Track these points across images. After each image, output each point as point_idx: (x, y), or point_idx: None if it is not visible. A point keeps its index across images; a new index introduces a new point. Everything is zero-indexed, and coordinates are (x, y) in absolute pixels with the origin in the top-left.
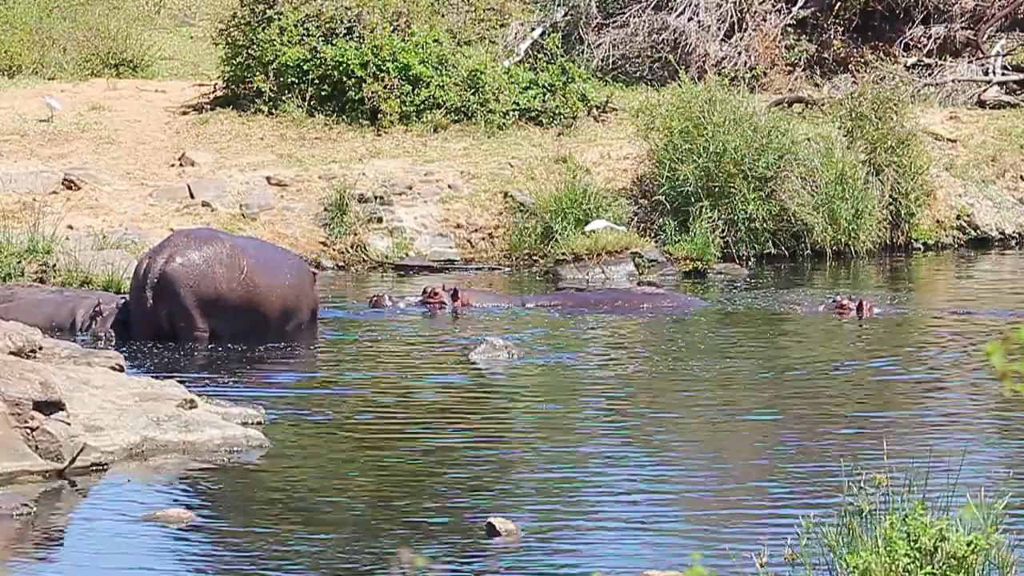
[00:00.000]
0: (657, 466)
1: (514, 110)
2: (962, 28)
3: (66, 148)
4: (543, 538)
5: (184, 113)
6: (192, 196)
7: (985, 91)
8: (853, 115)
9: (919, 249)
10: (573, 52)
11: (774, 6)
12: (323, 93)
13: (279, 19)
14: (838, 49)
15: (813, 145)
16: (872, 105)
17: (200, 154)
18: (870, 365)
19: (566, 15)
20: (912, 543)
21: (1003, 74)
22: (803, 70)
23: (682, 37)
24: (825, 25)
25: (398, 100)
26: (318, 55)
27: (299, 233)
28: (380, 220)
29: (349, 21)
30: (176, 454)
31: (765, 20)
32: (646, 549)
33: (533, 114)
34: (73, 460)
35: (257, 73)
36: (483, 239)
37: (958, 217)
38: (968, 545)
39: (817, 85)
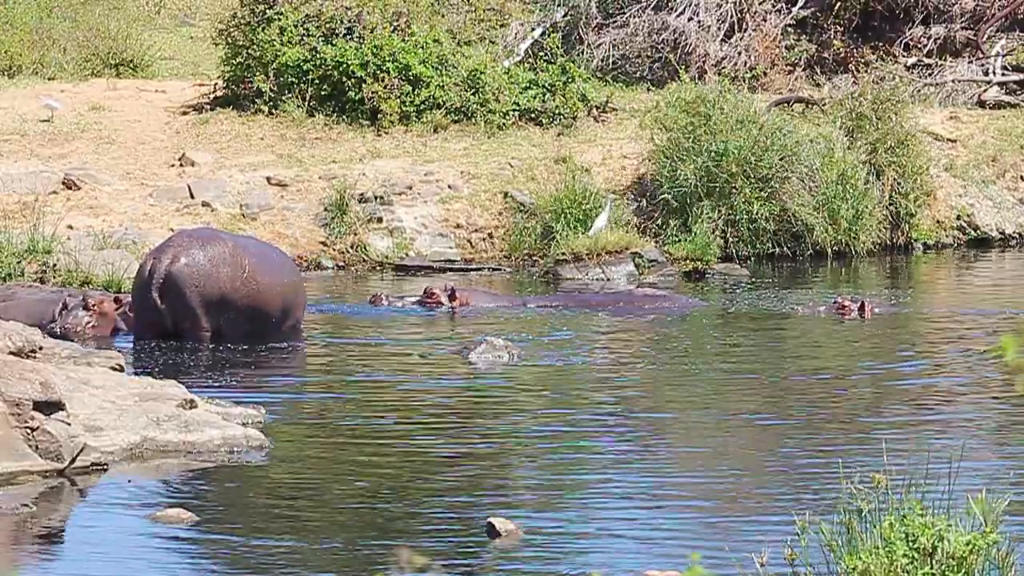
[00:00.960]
0: (657, 466)
1: (514, 110)
2: (962, 28)
3: (66, 148)
4: (543, 538)
5: (184, 113)
6: (192, 196)
7: (985, 91)
8: (853, 115)
9: (919, 249)
10: (573, 52)
11: (774, 6)
12: (323, 93)
13: (279, 19)
14: (838, 49)
15: (814, 145)
16: (872, 105)
17: (200, 154)
18: (870, 365)
19: (566, 15)
20: (911, 543)
21: (1003, 74)
22: (803, 70)
23: (682, 37)
24: (825, 25)
25: (398, 100)
26: (318, 55)
27: (299, 233)
28: (380, 220)
29: (349, 21)
30: (176, 454)
31: (765, 20)
32: (646, 549)
33: (533, 114)
34: (73, 460)
35: (257, 73)
36: (483, 239)
37: (958, 217)
38: (967, 545)
39: (817, 85)
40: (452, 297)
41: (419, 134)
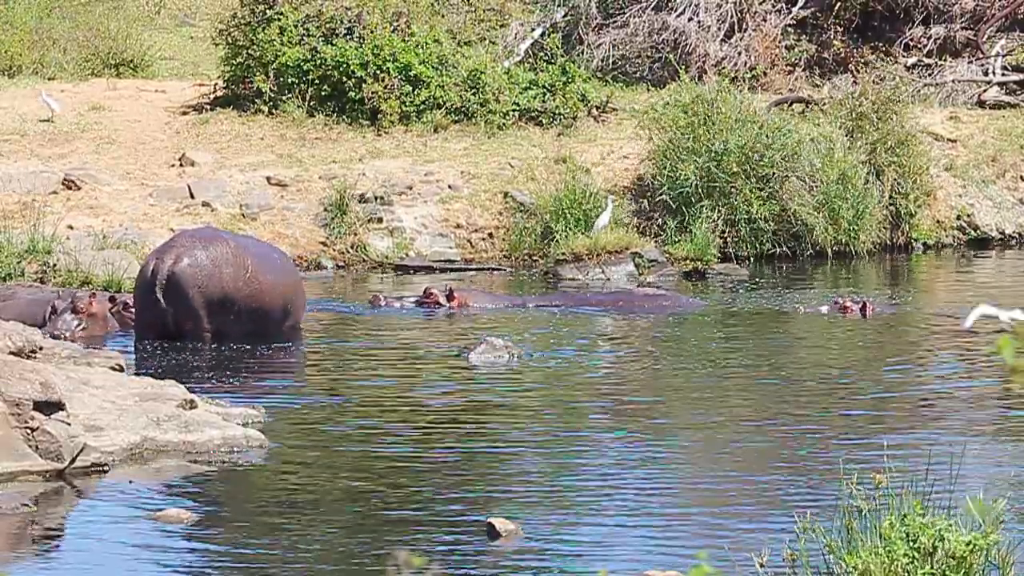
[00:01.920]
0: (657, 466)
1: (514, 110)
2: (962, 28)
3: (66, 148)
4: (543, 538)
5: (184, 113)
6: (192, 196)
7: (985, 91)
8: (853, 115)
9: (919, 249)
10: (573, 52)
11: (774, 6)
12: (323, 93)
13: (279, 19)
14: (838, 49)
15: (814, 145)
16: (872, 105)
17: (200, 154)
18: (870, 365)
19: (566, 15)
20: (911, 543)
21: (1003, 74)
22: (803, 70)
23: (682, 37)
24: (825, 25)
25: (398, 100)
26: (318, 55)
27: (299, 233)
28: (380, 220)
29: (349, 21)
30: (176, 454)
31: (765, 20)
32: (646, 549)
33: (533, 114)
34: (73, 460)
35: (257, 73)
36: (483, 239)
37: (958, 217)
38: (967, 545)
39: (817, 85)
40: (450, 297)
41: (419, 134)
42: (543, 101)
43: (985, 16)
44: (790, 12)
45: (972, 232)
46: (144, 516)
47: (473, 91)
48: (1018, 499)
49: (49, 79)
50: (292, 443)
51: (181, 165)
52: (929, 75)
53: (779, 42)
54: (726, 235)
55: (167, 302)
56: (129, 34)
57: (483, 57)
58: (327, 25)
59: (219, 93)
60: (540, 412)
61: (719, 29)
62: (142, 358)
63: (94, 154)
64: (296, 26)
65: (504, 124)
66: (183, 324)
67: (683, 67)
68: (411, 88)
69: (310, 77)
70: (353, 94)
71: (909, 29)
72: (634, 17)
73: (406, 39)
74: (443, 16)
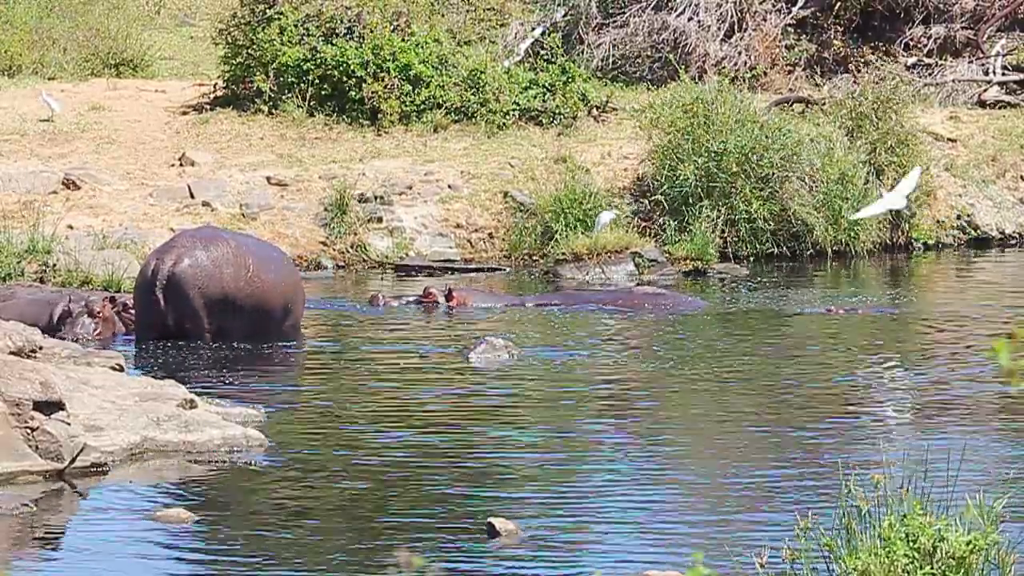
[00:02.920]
0: (657, 466)
1: (514, 110)
2: (962, 28)
3: (66, 148)
4: (543, 538)
5: (184, 113)
6: (192, 196)
7: (985, 91)
8: (853, 115)
9: (919, 249)
10: (573, 52)
11: (774, 6)
12: (323, 93)
13: (279, 19)
14: (838, 49)
15: (814, 145)
16: (872, 105)
17: (200, 154)
18: (871, 365)
19: (566, 15)
20: (911, 543)
21: (1003, 74)
22: (803, 70)
23: (682, 37)
24: (825, 25)
25: (398, 100)
26: (318, 55)
27: (299, 233)
28: (380, 220)
29: (349, 21)
30: (176, 454)
31: (765, 20)
32: (646, 549)
33: (533, 114)
34: (73, 460)
35: (257, 73)
36: (483, 239)
37: (958, 217)
38: (967, 545)
39: (817, 85)
40: (449, 297)
41: (419, 134)
42: (543, 101)
43: (985, 16)
44: (790, 12)
45: (972, 232)
46: (144, 516)
47: (473, 91)
48: (1018, 499)
49: (49, 79)
50: (292, 443)
51: (181, 165)
52: (929, 75)
53: (779, 42)
54: (726, 235)
55: (167, 302)
56: (129, 34)
57: (483, 57)
58: (327, 25)
59: (219, 93)
60: (540, 412)
61: (719, 29)
62: (142, 358)
63: (94, 154)
64: (296, 26)
65: (504, 124)
66: (183, 324)
67: (683, 67)
68: (411, 88)
69: (310, 77)
70: (353, 94)
71: (909, 29)
72: (634, 17)
73: (406, 39)
74: (443, 16)
